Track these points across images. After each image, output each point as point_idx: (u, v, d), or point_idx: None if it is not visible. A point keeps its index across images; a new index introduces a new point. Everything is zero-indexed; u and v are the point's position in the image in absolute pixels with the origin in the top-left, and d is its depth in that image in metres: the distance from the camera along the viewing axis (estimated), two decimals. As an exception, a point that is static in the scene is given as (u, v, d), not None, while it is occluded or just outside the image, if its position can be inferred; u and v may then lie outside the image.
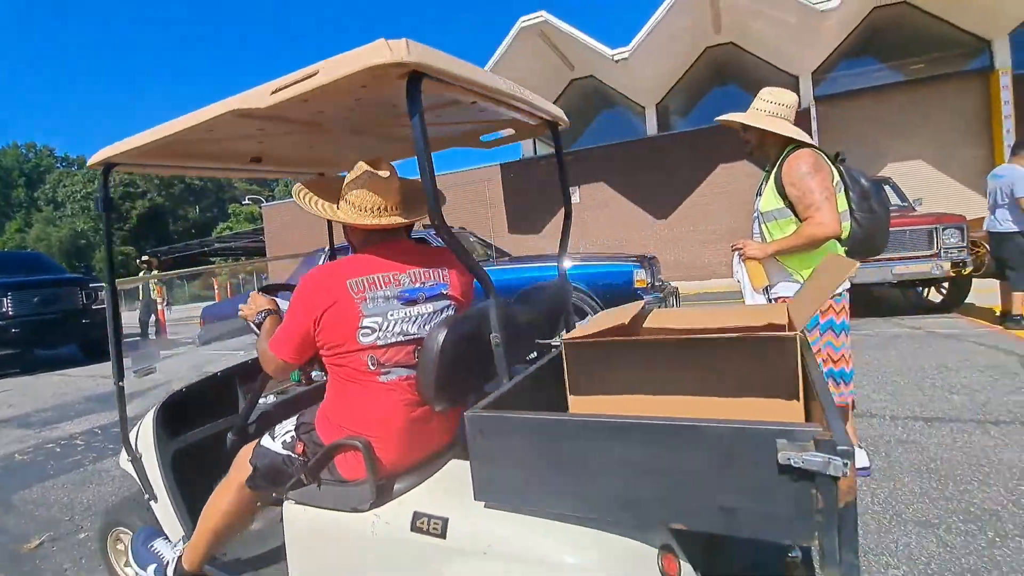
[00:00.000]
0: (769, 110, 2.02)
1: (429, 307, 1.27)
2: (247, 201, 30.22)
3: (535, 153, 13.95)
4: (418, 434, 1.25)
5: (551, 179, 13.07)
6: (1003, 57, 10.63)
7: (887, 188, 6.54)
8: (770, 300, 2.06)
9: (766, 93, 2.07)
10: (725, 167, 11.27)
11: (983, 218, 4.98)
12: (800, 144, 1.99)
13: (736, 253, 2.15)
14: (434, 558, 1.04)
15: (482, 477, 0.99)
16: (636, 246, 11.20)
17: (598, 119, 14.11)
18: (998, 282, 4.82)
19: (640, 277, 4.33)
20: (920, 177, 10.88)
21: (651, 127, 12.78)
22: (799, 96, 8.74)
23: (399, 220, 1.28)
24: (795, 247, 1.95)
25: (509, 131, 1.81)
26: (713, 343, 1.04)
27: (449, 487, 1.14)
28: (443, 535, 1.03)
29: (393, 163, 1.33)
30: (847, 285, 2.01)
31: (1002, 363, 3.59)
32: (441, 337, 1.16)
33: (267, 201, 21.53)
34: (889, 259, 5.27)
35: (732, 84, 12.79)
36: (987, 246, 4.97)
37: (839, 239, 1.96)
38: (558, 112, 1.67)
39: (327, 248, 5.22)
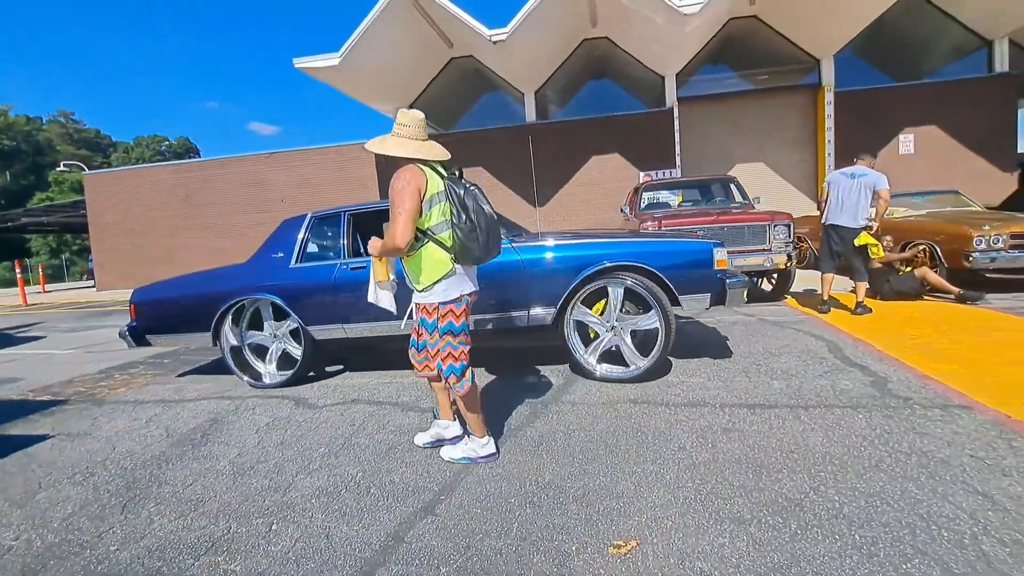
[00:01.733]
0: (400, 132, 2.29)
1: None
2: (63, 167, 25.42)
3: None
4: None
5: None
6: (828, 75, 12.19)
7: (732, 186, 7.09)
8: (395, 293, 2.48)
9: (399, 115, 2.33)
10: (598, 159, 11.66)
11: (811, 216, 5.51)
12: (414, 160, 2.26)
13: None
14: None
15: None
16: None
17: (480, 101, 13.85)
18: (819, 273, 5.37)
19: (721, 257, 3.51)
20: (760, 177, 12.17)
21: (530, 114, 12.81)
22: (664, 94, 9.00)
23: None
24: (385, 252, 2.30)
25: None
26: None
27: None
28: None
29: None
30: (467, 290, 2.34)
31: (814, 348, 3.96)
32: None
33: (95, 168, 18.24)
34: (731, 252, 5.68)
35: (607, 78, 13.24)
36: (809, 241, 5.55)
37: (446, 247, 2.27)
38: None
39: (310, 214, 4.11)
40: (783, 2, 11.31)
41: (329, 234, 4.05)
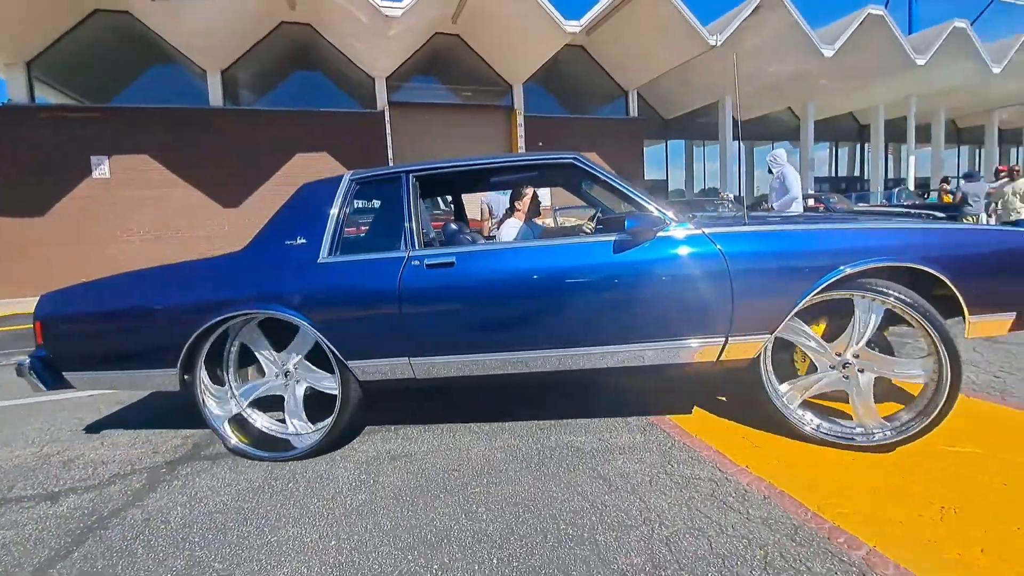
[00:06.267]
0: None
1: None
2: None
3: (31, 98, 9.82)
4: None
5: (60, 139, 9.41)
6: (519, 101, 13.91)
7: (434, 191, 7.24)
8: None
9: None
10: (305, 157, 10.66)
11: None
12: None
13: None
14: None
15: None
16: (199, 239, 9.29)
17: (149, 73, 11.15)
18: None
19: None
20: (467, 186, 13.15)
21: (215, 96, 10.90)
22: (376, 96, 8.54)
23: None
24: None
25: None
26: None
27: None
28: None
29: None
30: None
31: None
32: None
33: None
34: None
35: (317, 71, 12.29)
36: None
37: None
38: None
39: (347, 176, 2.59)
40: (480, 28, 12.39)
41: (382, 210, 2.66)
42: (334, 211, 2.46)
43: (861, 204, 15.23)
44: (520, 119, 13.70)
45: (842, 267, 2.07)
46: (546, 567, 1.56)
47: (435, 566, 1.59)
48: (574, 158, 2.50)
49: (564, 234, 3.24)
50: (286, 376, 2.47)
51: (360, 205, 2.71)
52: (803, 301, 2.11)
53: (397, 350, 2.33)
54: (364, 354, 2.34)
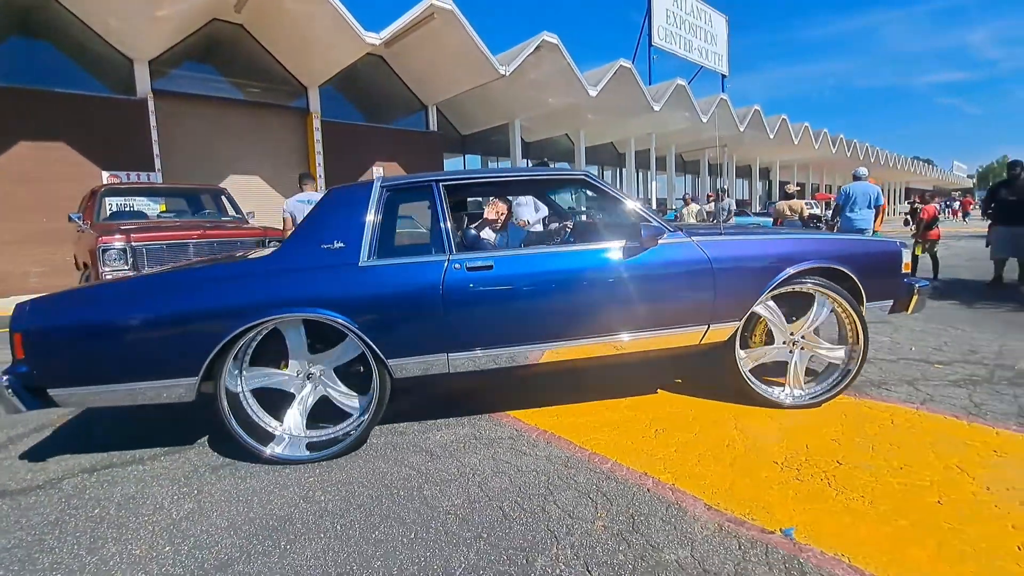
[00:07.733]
0: None
1: None
2: None
3: None
4: None
5: None
6: (315, 104, 13.35)
7: (223, 198, 6.68)
8: None
9: None
10: (33, 147, 8.61)
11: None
12: None
13: None
14: None
15: None
16: None
17: None
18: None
19: (907, 259, 3.04)
20: (257, 191, 12.13)
21: None
22: (135, 81, 7.46)
23: None
24: None
25: None
26: None
27: None
28: None
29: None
30: None
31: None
32: None
33: None
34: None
35: (48, 42, 9.98)
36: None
37: None
38: None
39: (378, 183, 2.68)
40: (269, 23, 11.59)
41: (416, 216, 3.03)
42: (369, 216, 2.56)
43: (620, 218, 18.49)
44: (317, 123, 13.18)
45: (788, 268, 2.69)
46: (384, 522, 1.87)
47: (283, 543, 1.78)
48: (585, 174, 2.90)
49: (540, 240, 3.33)
50: (308, 379, 2.51)
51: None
52: (764, 294, 2.68)
53: (437, 347, 2.49)
54: (404, 352, 2.47)
